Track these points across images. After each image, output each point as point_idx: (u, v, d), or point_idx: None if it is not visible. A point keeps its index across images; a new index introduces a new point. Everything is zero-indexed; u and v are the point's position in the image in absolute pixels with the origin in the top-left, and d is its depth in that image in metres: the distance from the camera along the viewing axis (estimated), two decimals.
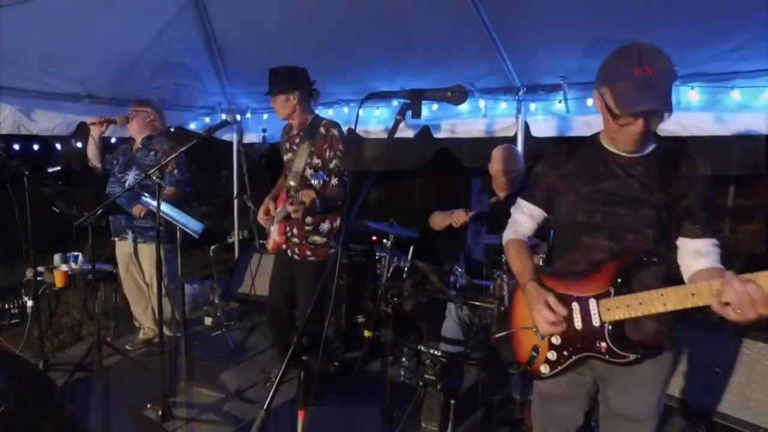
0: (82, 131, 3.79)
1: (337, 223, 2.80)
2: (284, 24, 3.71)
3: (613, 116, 1.37)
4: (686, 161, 1.43)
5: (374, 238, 3.31)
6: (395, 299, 2.69)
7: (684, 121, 3.07)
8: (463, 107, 3.77)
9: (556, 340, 1.50)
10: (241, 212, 5.48)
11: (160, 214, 2.63)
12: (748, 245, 8.62)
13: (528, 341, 1.57)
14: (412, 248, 2.64)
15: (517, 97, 3.49)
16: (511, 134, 3.56)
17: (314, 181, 2.56)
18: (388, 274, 2.91)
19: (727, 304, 1.17)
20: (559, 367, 1.50)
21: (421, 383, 2.57)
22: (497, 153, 2.96)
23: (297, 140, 2.83)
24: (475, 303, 2.49)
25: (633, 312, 1.35)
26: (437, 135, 3.96)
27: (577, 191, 1.52)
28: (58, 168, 3.13)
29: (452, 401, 2.61)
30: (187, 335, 3.05)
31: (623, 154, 1.46)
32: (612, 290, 1.40)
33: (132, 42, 3.68)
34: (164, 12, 3.60)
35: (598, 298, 1.42)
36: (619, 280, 1.40)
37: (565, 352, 1.48)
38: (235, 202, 5.43)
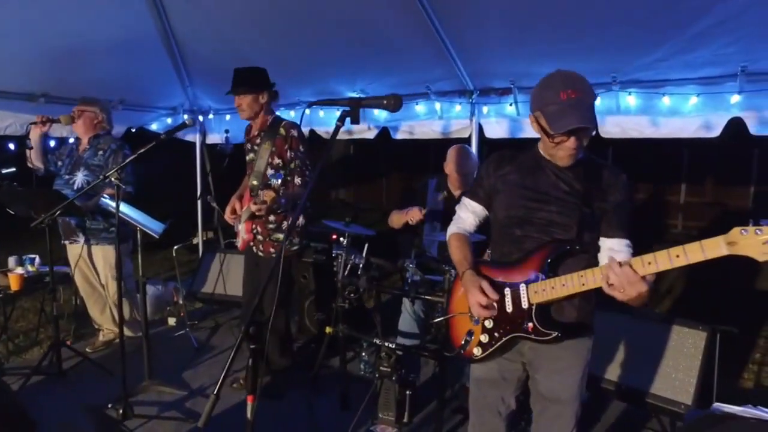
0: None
1: (300, 221, 2.90)
2: (245, 26, 3.76)
3: (549, 136, 1.55)
4: (608, 172, 1.64)
5: (333, 236, 3.40)
6: (351, 295, 2.80)
7: (623, 124, 3.29)
8: (421, 110, 3.91)
9: (488, 324, 1.65)
10: (205, 213, 5.48)
11: (120, 215, 2.66)
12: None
13: (463, 326, 1.72)
14: (366, 246, 2.75)
15: (470, 100, 3.65)
16: (466, 135, 3.72)
17: (273, 181, 2.65)
18: (345, 272, 3.01)
19: (611, 285, 1.40)
20: (490, 349, 1.65)
21: (377, 375, 2.69)
22: (452, 153, 3.10)
23: (258, 140, 2.91)
24: (426, 297, 2.62)
25: (557, 293, 1.52)
26: (396, 136, 4.09)
27: (514, 189, 1.69)
28: (13, 168, 3.10)
29: (408, 392, 2.74)
30: (148, 335, 3.07)
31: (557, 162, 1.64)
32: (540, 275, 1.57)
33: (88, 40, 3.65)
34: (121, 10, 3.59)
35: (527, 283, 1.59)
36: (546, 264, 1.58)
37: (496, 334, 1.64)
38: (199, 202, 5.42)
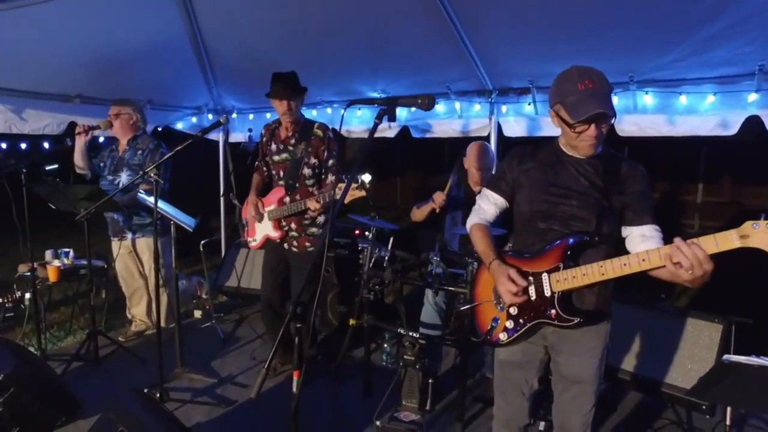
0: (72, 130, 3.91)
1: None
2: (270, 29, 3.88)
3: (570, 126, 1.62)
4: (626, 164, 1.71)
5: (357, 231, 3.52)
6: (377, 287, 2.91)
7: (640, 122, 3.36)
8: (441, 109, 4.01)
9: (513, 311, 1.74)
10: (228, 210, 5.64)
11: (158, 209, 2.81)
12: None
13: (489, 314, 1.82)
14: (392, 239, 2.86)
15: (489, 100, 3.74)
16: (485, 134, 3.81)
17: (316, 203, 2.76)
18: (370, 264, 3.12)
19: (677, 264, 1.42)
20: (515, 334, 1.74)
21: (401, 364, 2.79)
22: (472, 149, 3.19)
23: (293, 141, 3.03)
24: (449, 288, 2.72)
25: (578, 282, 1.61)
26: (417, 135, 4.19)
27: (536, 185, 1.77)
28: (56, 165, 3.27)
29: (430, 380, 2.85)
30: (180, 324, 3.22)
31: (577, 156, 1.72)
32: (561, 265, 1.65)
33: (120, 42, 3.79)
34: (152, 11, 3.74)
35: (549, 272, 1.68)
36: (567, 255, 1.66)
37: (521, 320, 1.73)
38: (222, 200, 5.58)
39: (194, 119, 5.27)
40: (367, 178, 2.35)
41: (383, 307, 3.27)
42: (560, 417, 1.87)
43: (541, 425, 2.53)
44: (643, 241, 1.65)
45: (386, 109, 1.59)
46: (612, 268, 1.55)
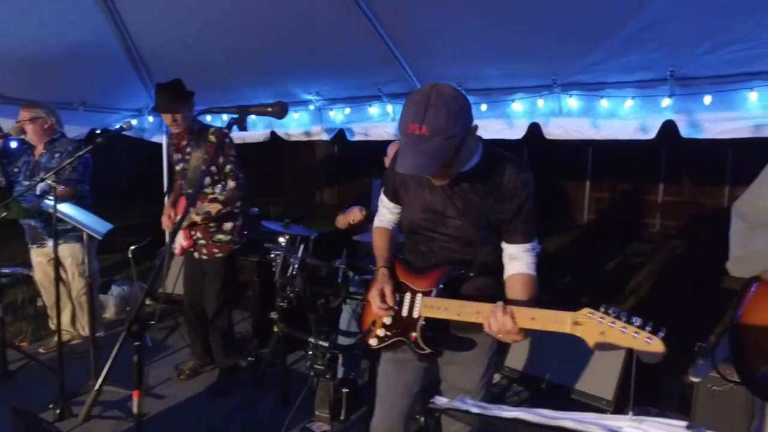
0: None
1: (239, 222, 3.00)
2: (201, 30, 3.78)
3: None
4: (509, 172, 1.54)
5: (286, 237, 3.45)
6: (291, 295, 2.84)
7: (566, 126, 3.35)
8: (374, 112, 3.96)
9: (387, 320, 1.69)
10: None
11: (59, 215, 2.71)
12: (675, 238, 9.26)
13: (372, 315, 1.76)
14: (302, 247, 2.80)
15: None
16: None
17: (218, 193, 2.71)
18: (293, 272, 3.05)
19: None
20: (383, 344, 1.71)
21: (312, 373, 2.73)
22: (391, 149, 3.13)
23: (188, 149, 2.98)
24: (354, 297, 2.67)
25: (441, 314, 1.55)
26: (352, 138, 4.14)
27: (413, 201, 1.68)
28: None
29: (345, 390, 2.79)
30: (95, 334, 3.12)
31: None
32: (434, 291, 1.58)
33: (45, 41, 3.66)
34: (74, 13, 3.61)
35: (424, 294, 1.61)
36: (441, 285, 1.59)
37: (389, 333, 1.69)
38: (166, 200, 5.44)
39: (134, 121, 5.14)
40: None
41: (303, 314, 3.21)
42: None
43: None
44: (509, 261, 1.58)
45: (237, 118, 1.53)
46: (467, 313, 1.49)
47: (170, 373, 3.39)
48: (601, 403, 2.49)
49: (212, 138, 2.90)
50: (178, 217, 2.98)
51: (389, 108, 3.85)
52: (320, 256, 3.15)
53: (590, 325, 1.24)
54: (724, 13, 2.44)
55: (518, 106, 3.37)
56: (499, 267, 1.62)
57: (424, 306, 1.59)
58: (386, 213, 1.88)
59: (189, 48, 3.96)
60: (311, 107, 4.19)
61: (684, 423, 0.66)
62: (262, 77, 4.13)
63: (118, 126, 2.65)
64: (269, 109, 1.52)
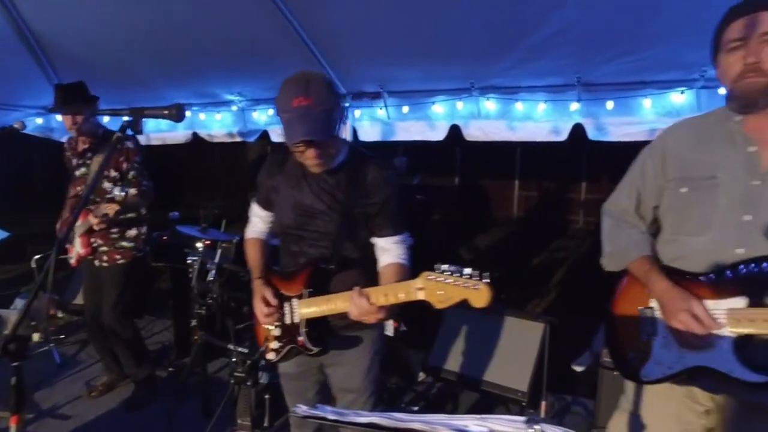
0: None
1: (144, 229, 2.87)
2: (112, 26, 3.57)
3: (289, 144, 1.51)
4: (373, 169, 1.61)
5: (207, 242, 3.33)
6: (209, 301, 2.75)
7: (485, 128, 3.46)
8: None
9: (276, 332, 1.70)
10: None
11: None
12: (597, 234, 9.84)
13: (263, 332, 1.77)
14: (219, 252, 2.72)
15: (344, 104, 3.69)
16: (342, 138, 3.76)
17: (117, 193, 2.57)
18: (211, 279, 2.95)
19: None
20: (279, 356, 1.71)
21: (232, 381, 2.65)
22: None
23: (89, 154, 2.85)
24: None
25: (319, 312, 1.59)
26: (276, 140, 4.06)
27: (284, 202, 1.70)
28: None
29: (267, 396, 2.73)
30: None
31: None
32: (305, 292, 1.62)
33: None
34: None
35: (298, 298, 1.64)
36: (312, 283, 1.63)
37: (281, 343, 1.70)
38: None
39: (40, 120, 4.77)
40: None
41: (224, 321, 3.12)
42: None
43: None
44: (382, 254, 1.64)
45: (130, 121, 1.45)
46: (336, 305, 1.54)
47: (80, 390, 3.17)
48: (516, 395, 2.60)
49: (116, 143, 2.75)
50: (79, 223, 2.80)
51: None
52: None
53: (430, 286, 1.30)
54: (622, 25, 2.62)
55: (439, 108, 3.44)
56: (370, 261, 1.68)
57: (300, 308, 1.63)
58: (258, 222, 1.88)
59: (95, 44, 3.73)
60: (234, 108, 4.07)
61: (523, 418, 0.69)
62: (181, 77, 3.96)
63: (9, 126, 2.45)
64: (165, 112, 1.45)
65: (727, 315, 1.30)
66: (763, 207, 1.31)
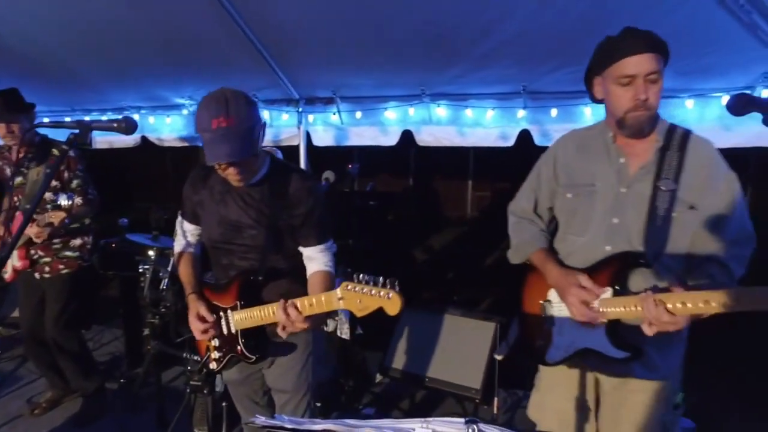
0: None
1: (89, 238, 2.80)
2: (52, 26, 3.40)
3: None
4: (295, 180, 1.66)
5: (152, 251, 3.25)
6: (163, 310, 2.70)
7: (436, 133, 3.57)
8: None
9: (216, 342, 1.74)
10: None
11: None
12: None
13: (204, 343, 1.82)
14: (172, 260, 2.67)
15: (297, 109, 3.71)
16: (296, 143, 3.78)
17: (63, 202, 2.49)
18: (164, 287, 2.89)
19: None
20: (221, 365, 1.76)
21: (188, 390, 2.61)
22: None
23: (26, 163, 2.75)
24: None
25: (253, 322, 1.63)
26: None
27: (210, 218, 1.73)
28: None
29: (224, 404, 2.71)
30: None
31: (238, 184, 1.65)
32: (239, 304, 1.66)
33: None
34: None
35: (232, 309, 1.68)
36: (243, 294, 1.67)
37: (221, 353, 1.75)
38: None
39: None
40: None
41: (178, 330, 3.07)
42: None
43: None
44: (308, 263, 1.70)
45: (78, 134, 1.42)
46: (267, 316, 1.58)
47: (21, 408, 3.03)
48: (470, 392, 2.70)
49: (55, 152, 2.70)
50: (12, 237, 2.68)
51: (266, 114, 3.79)
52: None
53: (349, 296, 1.35)
54: (565, 36, 2.76)
55: (391, 114, 3.52)
56: (299, 269, 1.73)
57: (235, 320, 1.68)
58: (187, 236, 1.90)
59: (36, 43, 3.55)
60: (184, 111, 3.99)
61: (463, 420, 0.76)
62: (126, 79, 3.84)
63: None
64: (115, 125, 1.43)
65: (600, 304, 1.51)
66: (629, 211, 1.53)
